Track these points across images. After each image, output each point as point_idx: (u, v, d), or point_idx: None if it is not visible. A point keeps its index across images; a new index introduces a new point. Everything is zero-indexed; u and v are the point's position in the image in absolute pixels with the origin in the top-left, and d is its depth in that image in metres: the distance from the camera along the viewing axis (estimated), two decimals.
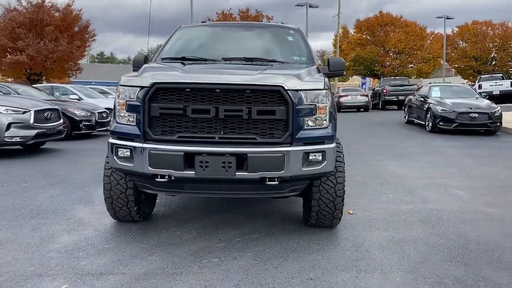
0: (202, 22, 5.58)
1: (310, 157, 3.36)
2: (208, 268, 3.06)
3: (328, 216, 3.74)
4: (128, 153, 3.35)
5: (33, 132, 7.71)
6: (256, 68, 3.76)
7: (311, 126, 3.37)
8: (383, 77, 32.90)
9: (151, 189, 3.53)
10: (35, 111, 7.76)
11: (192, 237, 3.70)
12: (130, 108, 3.36)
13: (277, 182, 3.30)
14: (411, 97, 15.66)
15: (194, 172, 3.20)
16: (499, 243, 3.63)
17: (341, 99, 25.94)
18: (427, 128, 12.80)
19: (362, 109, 25.68)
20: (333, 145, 3.48)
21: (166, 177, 3.29)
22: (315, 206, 3.69)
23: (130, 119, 3.38)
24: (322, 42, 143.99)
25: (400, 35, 40.05)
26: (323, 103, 3.43)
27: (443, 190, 5.48)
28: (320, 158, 3.38)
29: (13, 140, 7.55)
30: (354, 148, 9.37)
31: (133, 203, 3.78)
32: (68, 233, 3.77)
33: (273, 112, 3.23)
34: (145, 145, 3.28)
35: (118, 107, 3.47)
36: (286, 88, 3.23)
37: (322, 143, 3.41)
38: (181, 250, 3.41)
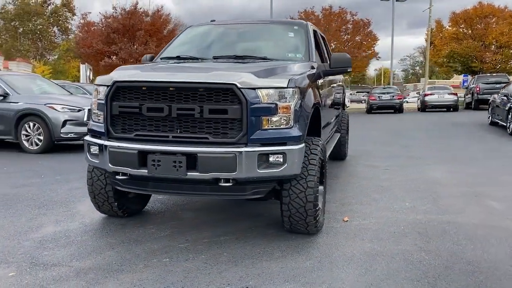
0: (211, 20, 5.62)
1: (270, 159, 3.17)
2: (152, 268, 3.04)
3: (301, 222, 3.50)
4: (97, 150, 3.46)
5: (86, 129, 8.32)
6: (229, 66, 3.67)
7: (271, 126, 3.18)
8: (479, 74, 30.13)
9: (120, 186, 3.60)
10: (88, 109, 8.37)
11: (162, 235, 3.71)
12: (99, 106, 3.47)
13: (231, 184, 3.17)
14: (495, 95, 14.14)
15: (147, 171, 3.21)
16: (496, 265, 3.11)
17: (426, 98, 24.40)
18: (508, 130, 11.46)
19: (451, 109, 23.96)
20: (299, 146, 3.25)
21: (125, 174, 3.34)
22: (286, 211, 3.49)
23: (100, 117, 3.48)
24: (415, 39, 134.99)
25: (503, 27, 36.28)
26: (286, 102, 3.22)
27: (475, 200, 4.84)
28: (281, 160, 3.18)
29: (68, 136, 8.23)
30: (407, 150, 8.72)
31: (113, 199, 3.89)
32: (55, 224, 4.00)
33: (225, 111, 3.11)
34: (106, 143, 3.36)
35: (93, 105, 3.60)
36: (239, 86, 3.09)
37: (284, 144, 3.20)
38: (141, 247, 3.43)
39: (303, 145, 3.31)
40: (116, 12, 29.31)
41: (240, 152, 3.07)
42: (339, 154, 7.20)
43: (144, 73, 3.36)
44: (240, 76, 3.14)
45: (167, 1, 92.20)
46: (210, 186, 3.27)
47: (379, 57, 36.93)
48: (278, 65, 3.69)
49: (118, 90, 3.32)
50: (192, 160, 3.12)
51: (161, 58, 4.61)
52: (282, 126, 3.22)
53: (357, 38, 33.51)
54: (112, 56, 28.54)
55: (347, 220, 4.12)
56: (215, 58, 4.28)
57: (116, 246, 3.45)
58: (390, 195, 5.04)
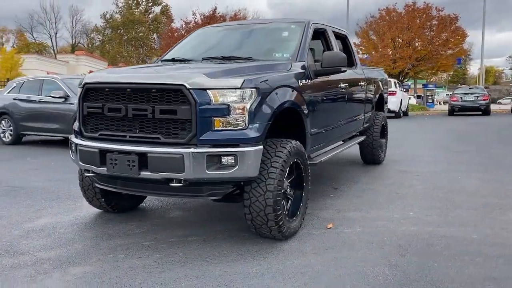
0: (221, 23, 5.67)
1: (222, 160, 3.13)
2: (103, 262, 3.16)
3: (264, 226, 3.40)
4: (73, 149, 3.68)
5: None
6: (203, 66, 3.70)
7: (223, 127, 3.13)
8: None
9: (97, 183, 3.78)
10: None
11: (137, 232, 3.83)
12: (77, 107, 3.68)
13: (182, 184, 3.18)
14: None
15: (106, 169, 3.34)
16: (464, 285, 2.75)
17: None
18: None
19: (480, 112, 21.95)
20: (254, 148, 3.16)
21: (91, 172, 3.50)
22: (247, 214, 3.41)
23: (79, 117, 3.70)
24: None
25: None
26: (240, 103, 3.15)
27: (494, 213, 4.31)
28: (232, 161, 3.12)
29: None
30: (457, 156, 8.01)
31: (100, 195, 4.10)
32: (52, 216, 4.31)
33: (175, 112, 3.12)
34: (77, 141, 3.56)
35: (76, 106, 3.83)
36: (188, 87, 3.08)
37: (236, 145, 3.14)
38: (110, 242, 3.57)
39: (259, 147, 3.21)
40: (195, 18, 30.70)
41: (188, 153, 3.06)
42: (371, 158, 6.83)
43: (108, 75, 3.50)
44: (190, 77, 3.14)
45: (262, 5, 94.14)
46: (167, 185, 3.30)
47: (468, 54, 34.17)
48: (246, 65, 3.63)
49: (87, 92, 3.50)
50: (144, 160, 3.18)
51: (161, 61, 4.75)
52: (235, 128, 3.15)
53: (443, 34, 31.38)
54: None
55: (329, 227, 3.91)
56: (204, 59, 4.31)
57: (88, 240, 3.64)
58: (399, 204, 4.68)
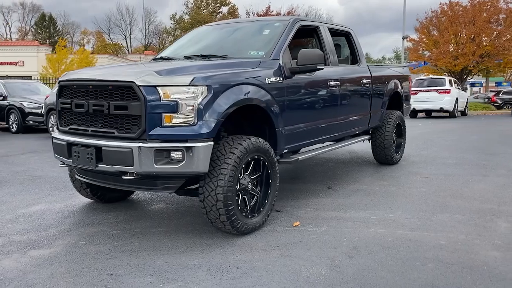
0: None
1: (171, 155, 3.25)
2: (62, 247, 3.39)
3: (218, 221, 3.47)
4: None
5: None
6: (161, 64, 3.85)
7: (172, 123, 3.24)
8: None
9: (76, 174, 4.05)
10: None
11: (112, 221, 4.05)
12: (56, 103, 3.97)
13: (133, 177, 3.33)
14: None
15: (71, 161, 3.58)
16: None
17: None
18: None
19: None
20: (202, 144, 3.24)
21: (64, 164, 3.77)
22: (202, 208, 3.50)
23: (56, 112, 3.99)
24: None
25: None
26: (189, 100, 3.24)
27: (484, 219, 4.05)
28: (180, 157, 3.22)
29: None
30: (485, 159, 7.51)
31: (85, 185, 4.38)
32: (47, 204, 4.67)
33: (126, 108, 3.28)
34: (53, 135, 3.84)
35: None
36: (138, 84, 3.23)
37: (185, 141, 3.24)
38: (81, 230, 3.81)
39: (208, 143, 3.28)
40: (249, 17, 31.06)
41: (136, 148, 3.21)
42: (383, 158, 6.62)
43: (77, 73, 3.74)
44: (141, 75, 3.28)
45: (333, 3, 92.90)
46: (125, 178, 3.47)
47: None
48: (210, 63, 3.74)
49: (61, 89, 3.77)
50: (100, 153, 3.37)
51: (153, 59, 4.96)
52: (184, 124, 3.25)
53: None
54: None
55: (295, 226, 3.89)
56: (185, 57, 4.45)
57: (63, 226, 3.92)
58: (385, 205, 4.52)
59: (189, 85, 3.24)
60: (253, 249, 3.36)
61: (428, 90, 19.36)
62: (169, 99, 3.23)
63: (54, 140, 3.78)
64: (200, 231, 3.77)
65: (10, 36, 64.15)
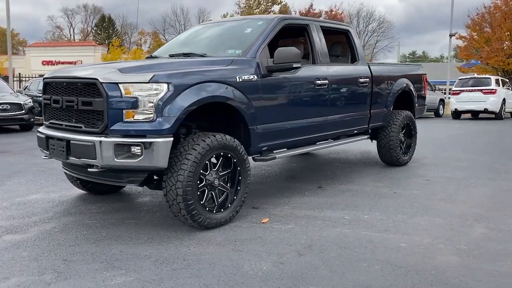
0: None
1: (131, 150, 3.39)
2: (36, 233, 3.63)
3: (179, 215, 3.58)
4: None
5: None
6: (134, 63, 4.02)
7: (133, 119, 3.39)
8: None
9: (62, 165, 4.31)
10: None
11: (93, 212, 4.27)
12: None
13: (98, 170, 3.52)
14: None
15: (49, 153, 3.83)
16: None
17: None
18: None
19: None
20: (160, 140, 3.37)
21: (46, 156, 4.03)
22: (166, 202, 3.62)
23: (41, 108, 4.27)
24: None
25: None
26: (149, 97, 3.38)
27: (459, 225, 3.90)
28: (139, 151, 3.37)
29: None
30: (505, 162, 7.10)
31: (76, 177, 4.63)
32: (45, 194, 4.98)
33: (91, 103, 3.47)
34: (38, 129, 4.12)
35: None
36: (101, 81, 3.40)
37: (143, 136, 3.37)
38: (61, 219, 4.05)
39: (167, 139, 3.40)
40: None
41: (98, 142, 3.39)
42: (389, 159, 6.46)
43: (57, 71, 3.98)
44: (104, 72, 3.45)
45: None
46: (94, 170, 3.67)
47: None
48: (179, 61, 3.91)
49: (45, 86, 4.03)
50: (69, 146, 3.58)
51: (146, 57, 5.16)
52: (144, 120, 3.38)
53: None
54: None
55: (263, 222, 3.93)
56: (170, 56, 4.60)
57: (46, 214, 4.18)
58: (366, 206, 4.44)
59: (148, 82, 3.37)
60: (209, 243, 3.44)
61: (472, 90, 18.49)
62: (130, 95, 3.37)
63: (37, 134, 4.05)
64: (169, 224, 3.89)
65: (74, 37, 67.83)
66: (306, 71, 4.73)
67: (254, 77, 4.07)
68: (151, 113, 3.38)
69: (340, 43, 5.81)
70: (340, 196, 4.86)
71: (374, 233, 3.66)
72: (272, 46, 4.63)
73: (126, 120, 3.39)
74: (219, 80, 3.79)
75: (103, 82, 3.40)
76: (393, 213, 4.22)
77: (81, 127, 3.58)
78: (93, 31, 67.88)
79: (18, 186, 5.38)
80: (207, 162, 3.64)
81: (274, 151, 4.59)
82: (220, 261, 3.07)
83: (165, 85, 3.41)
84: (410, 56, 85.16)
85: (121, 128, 3.39)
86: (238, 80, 3.92)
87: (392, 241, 3.46)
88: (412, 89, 6.78)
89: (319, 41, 5.03)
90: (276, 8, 59.71)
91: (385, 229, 3.76)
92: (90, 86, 3.49)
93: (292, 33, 5.11)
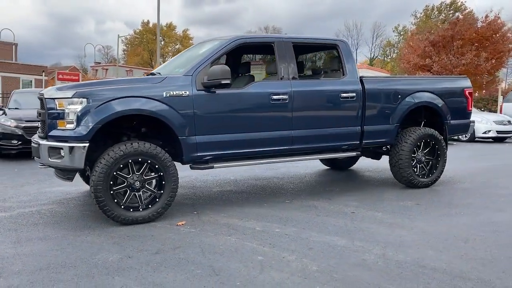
0: None
1: (60, 152, 4.21)
2: (14, 219, 4.59)
3: (99, 209, 4.25)
4: None
5: None
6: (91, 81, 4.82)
7: (63, 127, 4.21)
8: None
9: None
10: None
11: (71, 204, 5.22)
12: None
13: (43, 167, 4.43)
14: None
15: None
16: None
17: None
18: None
19: None
20: (76, 144, 4.09)
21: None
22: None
23: None
24: None
25: None
26: (72, 109, 4.16)
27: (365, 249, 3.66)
28: (62, 154, 4.17)
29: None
30: None
31: (80, 173, 5.67)
32: (47, 187, 6.09)
33: (40, 115, 4.40)
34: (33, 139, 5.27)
35: None
36: (45, 96, 4.32)
37: (66, 141, 4.17)
38: (37, 206, 5.08)
39: (83, 144, 4.09)
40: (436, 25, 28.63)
41: (39, 144, 4.30)
42: (402, 179, 6.00)
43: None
44: (48, 90, 4.36)
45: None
46: None
47: None
48: (110, 80, 4.55)
49: (40, 101, 5.12)
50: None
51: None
52: (68, 128, 4.17)
53: None
54: (425, 71, 28.04)
55: (178, 224, 4.30)
56: (147, 75, 5.34)
57: (36, 202, 5.25)
58: (297, 223, 4.40)
59: (71, 97, 4.15)
60: (101, 233, 4.01)
61: None
62: (59, 108, 4.20)
63: (32, 141, 5.15)
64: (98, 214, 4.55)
65: None
66: (258, 87, 4.93)
67: (185, 92, 4.50)
68: (73, 123, 4.14)
69: (331, 58, 5.72)
70: (291, 211, 4.81)
71: (256, 245, 3.70)
72: (235, 63, 4.98)
73: (59, 128, 4.22)
74: (142, 96, 4.33)
75: (46, 98, 4.31)
76: (306, 230, 4.10)
77: (43, 133, 4.53)
78: None
79: (34, 177, 6.73)
80: (130, 166, 4.22)
81: (223, 162, 4.89)
82: (74, 248, 3.60)
83: (84, 100, 4.13)
84: None
85: (55, 134, 4.23)
86: (164, 95, 4.41)
87: (250, 249, 3.49)
88: (440, 104, 6.15)
89: (285, 57, 5.13)
90: (458, 15, 54.28)
91: (273, 245, 3.75)
92: (42, 101, 4.44)
93: (260, 50, 5.31)
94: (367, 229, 4.17)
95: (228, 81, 4.52)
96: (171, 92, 4.45)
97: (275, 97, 4.95)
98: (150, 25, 66.59)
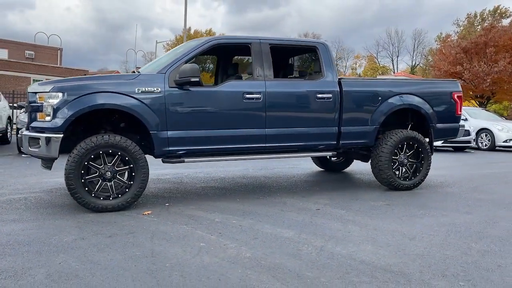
0: None
1: (38, 142, 4.57)
2: (5, 205, 5.11)
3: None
4: None
5: None
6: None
7: (42, 119, 4.57)
8: None
9: None
10: None
11: (59, 193, 5.60)
12: None
13: (26, 156, 4.80)
14: None
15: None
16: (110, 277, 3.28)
17: None
18: None
19: None
20: (51, 135, 4.44)
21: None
22: None
23: None
24: None
25: None
26: (49, 102, 4.51)
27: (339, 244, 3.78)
28: (39, 143, 4.52)
29: None
30: None
31: None
32: (45, 177, 6.54)
33: (29, 108, 4.79)
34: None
35: None
36: (29, 91, 4.70)
37: (42, 132, 4.52)
38: (29, 193, 5.49)
39: (57, 135, 4.42)
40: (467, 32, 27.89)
41: (21, 134, 4.68)
42: (383, 180, 6.04)
43: None
44: (33, 85, 4.73)
45: None
46: None
47: None
48: (95, 76, 4.87)
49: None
50: None
51: None
52: (46, 120, 4.52)
53: None
54: (460, 78, 27.30)
55: (144, 214, 4.55)
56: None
57: (29, 190, 5.67)
58: (259, 215, 4.56)
59: (49, 92, 4.50)
60: (65, 217, 4.33)
61: None
62: (39, 102, 4.56)
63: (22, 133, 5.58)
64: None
65: None
66: (232, 86, 5.13)
67: (157, 89, 4.77)
68: (49, 115, 4.48)
69: (311, 60, 5.85)
70: (261, 206, 5.00)
71: (206, 234, 3.89)
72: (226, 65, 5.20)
73: (39, 119, 4.58)
74: (115, 91, 4.63)
75: (29, 92, 4.69)
76: (261, 223, 4.25)
77: (31, 125, 4.91)
78: None
79: (33, 170, 7.16)
80: (102, 157, 4.52)
81: (195, 157, 5.12)
82: (44, 230, 3.90)
83: (60, 94, 4.47)
84: None
85: (35, 125, 4.60)
86: (136, 91, 4.69)
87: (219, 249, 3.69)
88: (424, 107, 6.14)
89: (261, 58, 5.31)
90: (505, 21, 52.00)
91: (221, 234, 3.92)
92: (30, 95, 4.83)
93: (238, 51, 5.51)
94: (321, 224, 4.27)
95: (197, 79, 4.75)
96: (143, 88, 4.73)
97: (248, 96, 5.14)
98: (192, 31, 68.36)
